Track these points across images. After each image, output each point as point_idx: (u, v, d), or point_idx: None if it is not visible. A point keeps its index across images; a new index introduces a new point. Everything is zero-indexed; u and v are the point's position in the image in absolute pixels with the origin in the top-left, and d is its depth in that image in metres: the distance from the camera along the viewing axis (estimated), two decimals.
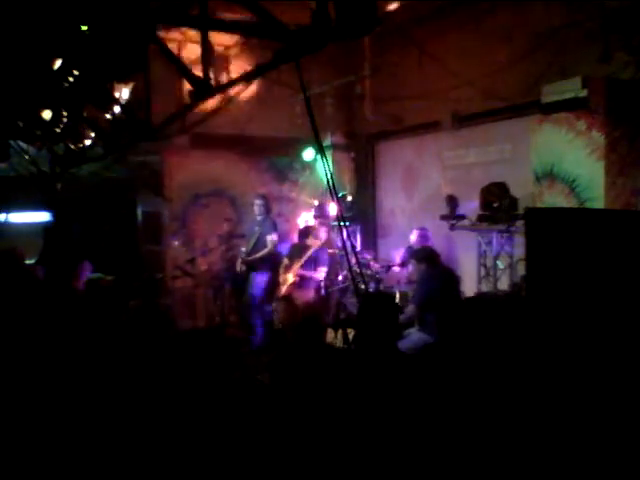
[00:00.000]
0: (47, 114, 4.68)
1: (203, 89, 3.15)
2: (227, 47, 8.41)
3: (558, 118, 5.91)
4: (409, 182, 9.16)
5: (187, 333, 7.33)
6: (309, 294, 7.44)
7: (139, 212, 8.79)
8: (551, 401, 2.74)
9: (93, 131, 5.23)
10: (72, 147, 5.65)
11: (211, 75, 3.30)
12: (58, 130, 4.98)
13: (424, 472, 2.51)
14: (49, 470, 2.76)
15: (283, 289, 7.47)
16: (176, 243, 8.54)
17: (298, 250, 7.68)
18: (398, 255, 8.29)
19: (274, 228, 8.00)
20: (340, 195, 8.67)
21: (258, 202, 8.08)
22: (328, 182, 2.71)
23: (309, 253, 7.43)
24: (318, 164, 9.31)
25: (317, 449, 2.65)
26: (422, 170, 8.84)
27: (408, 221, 8.99)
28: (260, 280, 7.87)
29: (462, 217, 7.13)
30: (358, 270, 5.09)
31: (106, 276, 5.24)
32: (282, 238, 8.64)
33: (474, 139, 7.81)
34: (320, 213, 9.03)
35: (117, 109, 4.60)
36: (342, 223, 3.45)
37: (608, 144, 5.55)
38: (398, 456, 2.54)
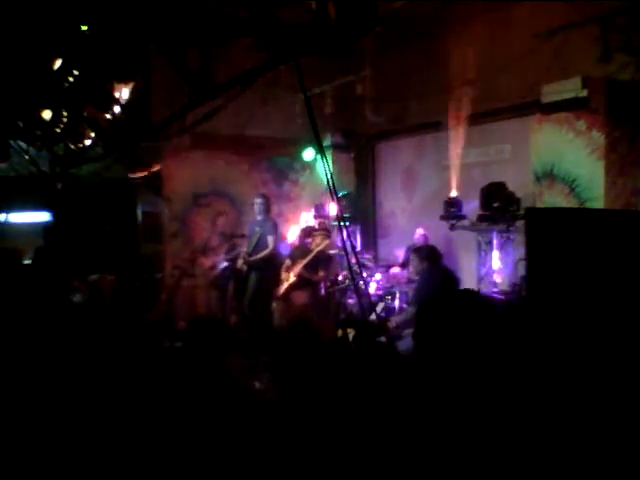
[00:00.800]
0: (47, 114, 4.68)
1: (203, 89, 3.15)
2: (227, 47, 8.41)
3: (558, 118, 5.91)
4: (409, 182, 9.16)
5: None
6: (307, 295, 7.43)
7: (139, 212, 8.79)
8: (551, 401, 2.74)
9: (93, 131, 5.22)
10: (72, 147, 5.65)
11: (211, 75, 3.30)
12: (58, 130, 4.97)
13: (424, 472, 2.51)
14: (49, 468, 2.77)
15: (282, 288, 7.46)
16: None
17: (300, 252, 7.67)
18: (400, 254, 8.30)
19: (275, 228, 8.00)
20: (340, 195, 8.67)
21: (258, 202, 8.08)
22: (328, 182, 2.70)
23: (311, 256, 7.40)
24: (318, 164, 9.31)
25: (317, 449, 2.66)
26: (422, 170, 8.84)
27: (408, 221, 9.00)
28: (259, 279, 7.88)
29: (462, 217, 7.14)
30: (358, 270, 5.09)
31: (107, 276, 5.24)
32: (282, 238, 8.64)
33: (474, 139, 7.81)
34: (320, 213, 9.03)
35: (117, 109, 4.60)
36: (342, 223, 3.44)
37: (608, 144, 5.56)
38: (397, 457, 2.54)
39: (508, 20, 6.90)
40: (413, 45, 8.05)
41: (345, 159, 9.76)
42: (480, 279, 7.08)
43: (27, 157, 6.58)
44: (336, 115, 8.78)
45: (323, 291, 8.03)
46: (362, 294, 6.18)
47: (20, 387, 3.25)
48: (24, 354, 3.60)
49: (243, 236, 8.44)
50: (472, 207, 7.03)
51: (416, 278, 6.16)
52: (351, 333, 6.20)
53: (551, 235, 3.33)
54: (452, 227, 7.26)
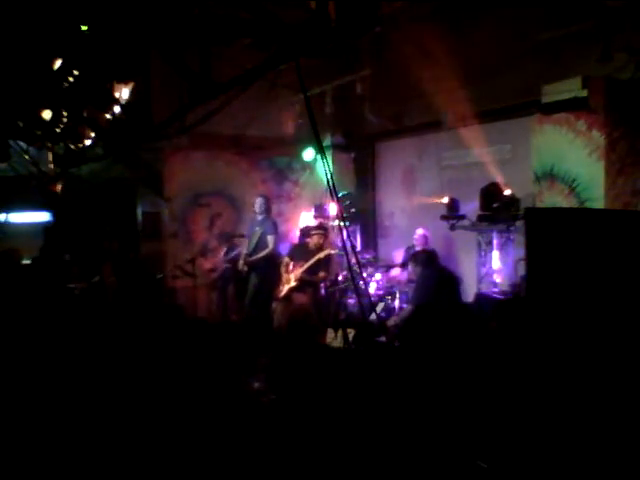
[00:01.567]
0: (47, 114, 4.68)
1: (203, 89, 3.14)
2: (227, 47, 8.41)
3: (558, 118, 5.91)
4: (409, 182, 9.16)
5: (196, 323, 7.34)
6: (308, 296, 7.40)
7: (139, 212, 8.79)
8: (551, 400, 2.74)
9: (93, 131, 5.22)
10: (72, 147, 5.65)
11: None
12: (58, 130, 4.97)
13: (424, 473, 2.51)
14: (49, 467, 2.77)
15: (283, 290, 7.43)
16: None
17: (300, 251, 7.62)
18: (399, 255, 8.31)
19: (275, 228, 7.99)
20: (340, 195, 8.67)
21: (258, 202, 8.07)
22: (328, 182, 2.70)
23: (312, 261, 7.34)
24: (318, 164, 9.31)
25: (316, 450, 2.66)
26: (422, 170, 8.84)
27: (408, 221, 8.99)
28: (260, 279, 7.87)
29: (462, 217, 7.14)
30: (358, 270, 5.09)
31: (107, 276, 5.23)
32: (282, 238, 8.64)
33: (474, 139, 7.81)
34: (320, 213, 9.03)
35: (117, 109, 4.60)
36: (342, 223, 3.44)
37: (608, 144, 5.56)
38: (397, 456, 2.54)
39: (508, 20, 6.89)
40: (413, 45, 8.04)
41: (345, 159, 9.75)
42: (480, 279, 7.08)
43: (27, 157, 6.58)
44: (336, 115, 8.77)
45: (323, 291, 8.03)
46: (362, 294, 6.18)
47: (21, 385, 3.26)
48: (25, 353, 3.60)
49: (243, 236, 8.44)
50: (472, 207, 7.03)
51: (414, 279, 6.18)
52: (351, 333, 6.20)
53: (551, 235, 3.33)
54: (452, 227, 7.26)
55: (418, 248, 7.27)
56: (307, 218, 9.25)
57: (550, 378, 2.85)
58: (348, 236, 5.95)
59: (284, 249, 8.26)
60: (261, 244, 7.88)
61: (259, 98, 8.57)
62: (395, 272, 7.88)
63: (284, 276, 7.48)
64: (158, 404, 2.96)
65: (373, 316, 6.04)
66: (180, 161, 8.70)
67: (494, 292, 6.59)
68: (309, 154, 9.16)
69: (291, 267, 7.46)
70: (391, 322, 5.89)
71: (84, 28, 3.14)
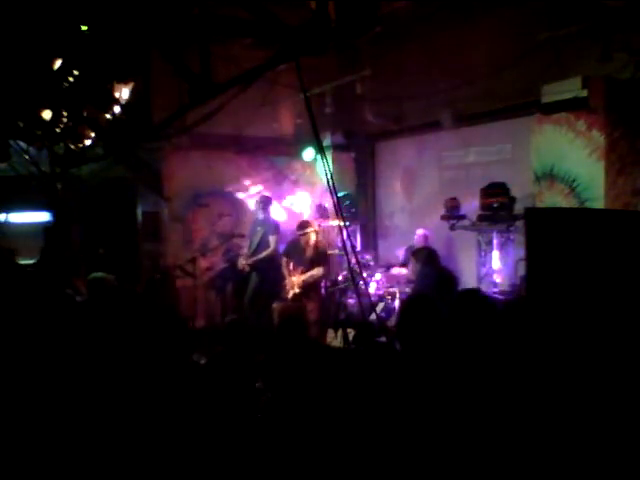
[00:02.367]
0: (47, 114, 4.68)
1: (202, 89, 3.15)
2: (227, 47, 8.42)
3: (558, 118, 5.91)
4: (409, 182, 9.16)
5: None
6: (311, 297, 7.34)
7: (139, 212, 8.79)
8: (551, 401, 2.74)
9: (93, 131, 5.22)
10: (72, 147, 5.65)
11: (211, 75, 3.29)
12: (58, 130, 4.98)
13: (424, 473, 2.51)
14: (49, 467, 2.77)
15: (289, 293, 7.35)
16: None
17: (293, 249, 7.54)
18: (400, 254, 8.30)
19: (276, 228, 7.99)
20: (340, 195, 8.66)
21: (260, 202, 8.07)
22: (328, 182, 2.70)
23: (308, 256, 7.27)
24: (318, 164, 9.31)
25: (316, 451, 2.66)
26: (422, 170, 8.84)
27: (408, 221, 9.00)
28: (260, 279, 7.86)
29: (462, 217, 7.14)
30: (358, 270, 5.08)
31: (108, 276, 5.22)
32: (283, 238, 8.63)
33: (474, 139, 7.81)
34: (320, 213, 9.02)
35: (117, 109, 4.60)
36: (342, 223, 3.45)
37: (608, 144, 5.56)
38: (397, 457, 2.54)
39: (508, 20, 6.90)
40: (413, 45, 8.05)
41: (345, 159, 9.76)
42: (480, 279, 7.08)
43: (27, 157, 6.58)
44: (336, 115, 8.78)
45: (323, 291, 8.02)
46: (362, 294, 6.18)
47: (21, 387, 3.25)
48: (25, 355, 3.59)
49: (243, 236, 8.44)
50: (472, 207, 7.02)
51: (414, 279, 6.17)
52: (351, 333, 6.20)
53: (551, 235, 3.33)
54: (452, 227, 7.26)
55: (417, 245, 7.28)
56: (306, 217, 9.23)
57: (550, 378, 2.85)
58: (348, 236, 5.95)
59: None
60: (262, 244, 7.87)
61: (259, 98, 8.60)
62: (395, 271, 7.88)
63: (287, 279, 7.41)
64: (153, 406, 2.96)
65: (373, 316, 6.04)
66: (180, 161, 8.70)
67: (494, 292, 6.59)
68: (309, 154, 9.15)
69: (291, 267, 7.42)
70: (392, 322, 5.89)
71: (84, 28, 3.14)
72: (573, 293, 3.12)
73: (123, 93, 4.62)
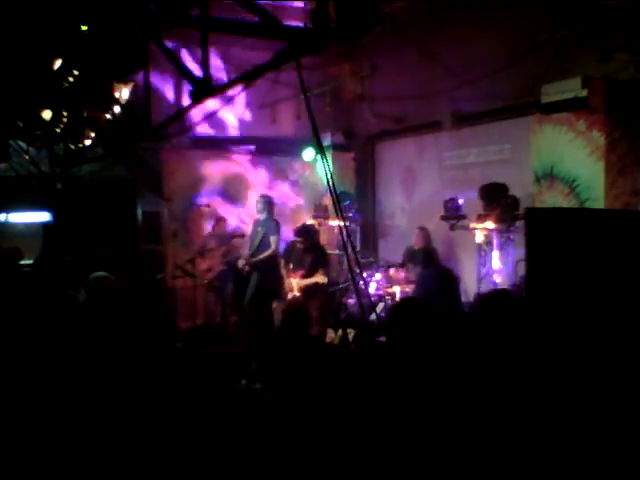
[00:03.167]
0: (47, 114, 4.68)
1: (203, 89, 3.14)
2: (227, 46, 8.42)
3: (558, 118, 5.91)
4: (409, 182, 9.16)
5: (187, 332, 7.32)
6: (315, 300, 7.32)
7: (139, 212, 8.79)
8: (551, 400, 2.74)
9: (93, 131, 5.22)
10: (72, 147, 5.65)
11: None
12: (58, 130, 4.97)
13: (425, 473, 2.51)
14: (50, 467, 2.77)
15: (289, 296, 7.34)
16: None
17: (291, 252, 7.53)
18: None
19: (277, 229, 7.98)
20: (340, 195, 8.64)
21: (261, 202, 8.07)
22: (328, 182, 2.70)
23: (307, 261, 7.24)
24: (318, 164, 9.31)
25: (317, 451, 2.66)
26: (422, 170, 8.84)
27: (408, 221, 8.99)
28: (261, 280, 7.85)
29: (462, 217, 7.14)
30: (358, 270, 5.08)
31: (109, 276, 5.22)
32: (283, 238, 8.63)
33: (474, 139, 7.81)
34: (320, 213, 9.02)
35: (117, 109, 4.60)
36: (342, 223, 3.45)
37: (608, 144, 5.56)
38: (398, 457, 2.54)
39: (508, 20, 6.90)
40: (413, 45, 8.05)
41: (345, 159, 9.76)
42: (480, 279, 7.08)
43: (27, 157, 6.58)
44: (336, 115, 8.78)
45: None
46: (362, 294, 6.17)
47: (22, 387, 3.25)
48: (26, 355, 3.59)
49: (242, 236, 8.44)
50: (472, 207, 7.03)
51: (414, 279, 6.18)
52: (351, 333, 6.20)
53: (551, 235, 3.33)
54: (452, 227, 7.25)
55: (417, 247, 7.27)
56: (306, 217, 9.23)
57: (549, 378, 2.85)
58: (348, 236, 5.95)
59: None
60: (263, 245, 7.87)
61: (259, 98, 8.61)
62: (395, 270, 7.86)
63: (287, 280, 7.40)
64: (152, 406, 2.96)
65: (373, 316, 6.04)
66: (180, 161, 8.70)
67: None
68: (309, 154, 9.15)
69: (291, 268, 7.40)
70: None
71: (84, 28, 3.14)
72: (573, 293, 3.12)
73: (123, 93, 4.62)
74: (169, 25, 3.26)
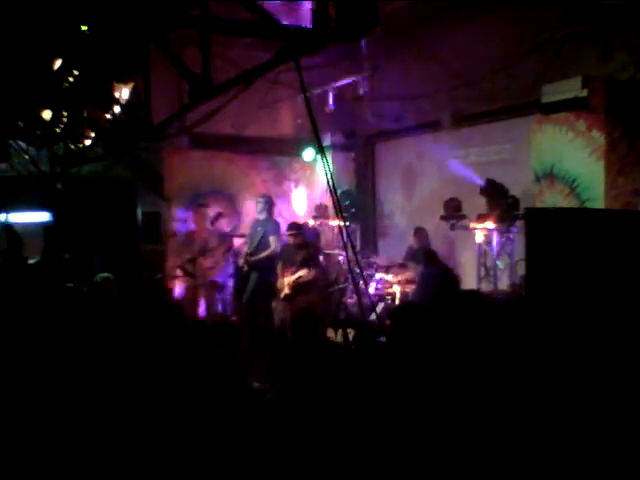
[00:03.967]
0: (47, 114, 4.68)
1: (203, 89, 3.14)
2: (228, 46, 8.42)
3: (558, 118, 5.91)
4: (409, 182, 9.16)
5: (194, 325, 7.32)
6: (311, 294, 7.34)
7: (139, 212, 8.79)
8: (551, 400, 2.74)
9: (93, 131, 5.22)
10: (72, 147, 5.65)
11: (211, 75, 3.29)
12: (58, 130, 4.97)
13: (425, 473, 2.51)
14: (49, 465, 2.77)
15: (281, 295, 7.37)
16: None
17: (285, 251, 7.54)
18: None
19: (277, 229, 7.98)
20: (340, 194, 8.65)
21: (261, 202, 8.07)
22: (328, 182, 2.70)
23: (298, 274, 7.24)
24: (318, 164, 9.30)
25: (321, 451, 2.66)
26: (422, 170, 8.84)
27: (408, 221, 8.99)
28: (260, 279, 7.85)
29: (462, 217, 7.14)
30: (358, 270, 5.08)
31: (110, 276, 5.23)
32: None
33: (474, 139, 7.81)
34: (320, 213, 9.03)
35: (117, 109, 4.60)
36: (342, 223, 3.44)
37: (608, 144, 5.56)
38: (399, 457, 2.54)
39: (508, 20, 6.90)
40: (413, 45, 8.05)
41: (345, 159, 9.75)
42: (480, 279, 7.08)
43: (27, 157, 6.58)
44: (336, 115, 8.78)
45: (321, 291, 8.00)
46: (362, 294, 6.18)
47: (24, 387, 3.26)
48: (29, 355, 3.60)
49: (242, 236, 8.44)
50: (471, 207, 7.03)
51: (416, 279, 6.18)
52: (351, 333, 6.20)
53: (551, 235, 3.33)
54: (452, 227, 7.26)
55: (416, 246, 7.28)
56: (306, 218, 9.23)
57: (549, 378, 2.85)
58: (348, 236, 5.96)
59: None
60: (263, 244, 7.87)
61: (259, 98, 8.60)
62: (395, 270, 7.86)
63: (279, 281, 7.43)
64: (158, 402, 2.96)
65: (373, 316, 6.04)
66: (180, 161, 8.70)
67: (494, 292, 6.59)
68: (309, 154, 9.16)
69: (284, 267, 7.41)
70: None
71: (84, 28, 3.14)
72: (573, 293, 3.12)
73: (123, 93, 4.61)
74: (169, 25, 3.26)
